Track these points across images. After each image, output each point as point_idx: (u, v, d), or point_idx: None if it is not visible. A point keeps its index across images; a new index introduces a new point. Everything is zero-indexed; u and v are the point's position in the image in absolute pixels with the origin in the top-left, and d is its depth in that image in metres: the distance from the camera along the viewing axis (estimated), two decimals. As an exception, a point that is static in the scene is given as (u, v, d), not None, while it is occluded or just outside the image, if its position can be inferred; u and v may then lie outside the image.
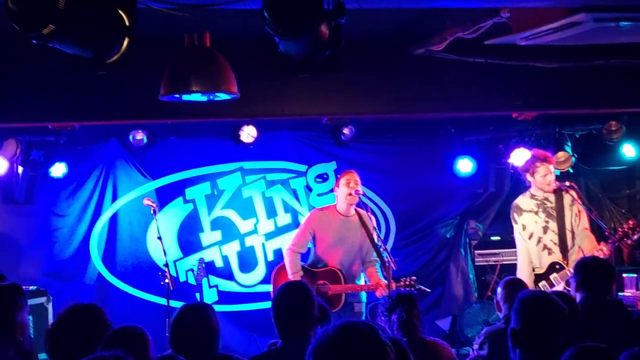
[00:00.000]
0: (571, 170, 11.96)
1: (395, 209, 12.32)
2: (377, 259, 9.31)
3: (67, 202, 11.26)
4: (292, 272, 9.62)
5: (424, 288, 9.70)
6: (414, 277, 9.43)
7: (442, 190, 12.51)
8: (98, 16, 5.06)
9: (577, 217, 9.47)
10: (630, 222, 9.36)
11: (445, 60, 8.94)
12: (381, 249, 9.22)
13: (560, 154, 11.73)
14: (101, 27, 5.14)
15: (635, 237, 9.23)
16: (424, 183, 12.39)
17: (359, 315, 9.65)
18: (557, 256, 9.33)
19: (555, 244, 9.38)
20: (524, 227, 9.55)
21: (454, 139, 12.06)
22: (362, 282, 9.71)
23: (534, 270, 9.38)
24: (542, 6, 6.71)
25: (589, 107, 10.42)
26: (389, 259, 8.87)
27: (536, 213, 9.51)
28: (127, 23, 5.22)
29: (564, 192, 9.54)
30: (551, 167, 9.57)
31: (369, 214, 9.76)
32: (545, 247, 9.40)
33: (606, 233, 9.38)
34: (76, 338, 5.19)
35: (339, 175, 9.99)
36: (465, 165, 12.13)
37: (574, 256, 9.19)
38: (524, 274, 9.34)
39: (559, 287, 9.10)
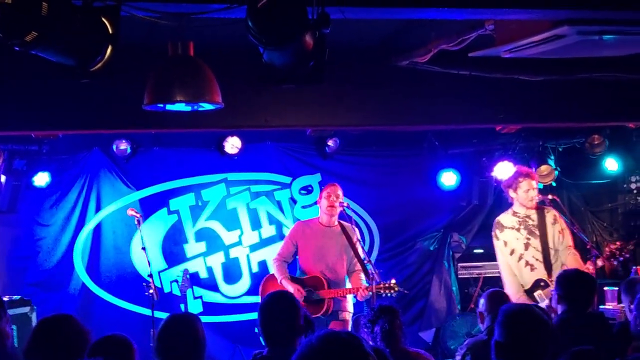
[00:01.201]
0: (554, 184, 12.03)
1: (379, 221, 12.35)
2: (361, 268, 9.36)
3: (50, 211, 11.23)
4: (281, 277, 9.77)
5: (403, 290, 9.73)
6: (394, 280, 9.43)
7: (426, 203, 12.56)
8: (81, 24, 5.05)
9: (560, 234, 9.53)
10: (618, 243, 9.43)
11: (429, 72, 8.93)
12: (365, 261, 9.27)
13: (543, 167, 11.80)
14: (85, 34, 5.13)
15: (622, 259, 9.30)
16: (408, 196, 12.43)
17: (345, 323, 9.69)
18: (540, 272, 9.36)
19: (537, 260, 9.41)
20: (505, 244, 9.59)
21: (437, 152, 12.12)
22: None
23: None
24: (526, 18, 6.72)
25: (572, 121, 10.42)
26: (373, 271, 8.92)
27: (518, 230, 9.56)
28: (110, 31, 5.21)
29: (545, 211, 9.63)
30: (534, 182, 9.62)
31: (353, 226, 9.81)
32: (527, 263, 9.44)
33: (588, 246, 9.43)
34: (54, 351, 5.18)
35: (322, 188, 10.07)
36: (448, 178, 12.17)
37: (557, 273, 9.22)
38: (512, 288, 9.35)
39: (543, 303, 9.12)
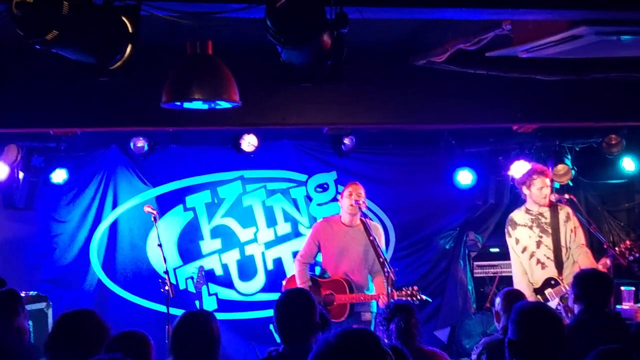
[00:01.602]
0: (571, 183, 12.00)
1: (395, 219, 12.32)
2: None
3: (67, 208, 11.25)
4: (301, 282, 9.75)
5: (426, 297, 9.69)
6: (416, 287, 9.41)
7: (442, 202, 12.52)
8: (102, 22, 5.09)
9: (572, 232, 9.56)
10: (628, 243, 9.43)
11: (446, 71, 8.95)
12: (381, 260, 9.25)
13: (560, 166, 11.78)
14: (104, 33, 5.16)
15: (631, 258, 9.30)
16: (424, 194, 12.41)
17: (367, 324, 9.66)
18: (551, 271, 9.41)
19: (548, 258, 9.44)
20: (517, 241, 9.66)
21: (454, 151, 12.09)
22: (371, 292, 9.73)
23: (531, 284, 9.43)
24: (543, 19, 6.72)
25: (589, 121, 10.43)
26: (389, 270, 8.89)
27: (530, 227, 9.59)
28: (130, 30, 5.25)
29: (559, 208, 9.65)
30: (548, 180, 9.66)
31: (377, 224, 9.86)
32: (538, 261, 9.49)
33: (605, 246, 9.43)
34: (74, 344, 5.20)
35: (344, 185, 10.11)
36: (465, 177, 12.15)
37: (568, 271, 9.28)
38: (521, 286, 9.32)
39: (553, 302, 9.16)
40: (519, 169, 11.51)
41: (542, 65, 8.77)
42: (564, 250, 9.50)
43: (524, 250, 9.59)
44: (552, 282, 9.37)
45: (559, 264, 9.44)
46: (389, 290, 8.95)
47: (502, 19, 7.05)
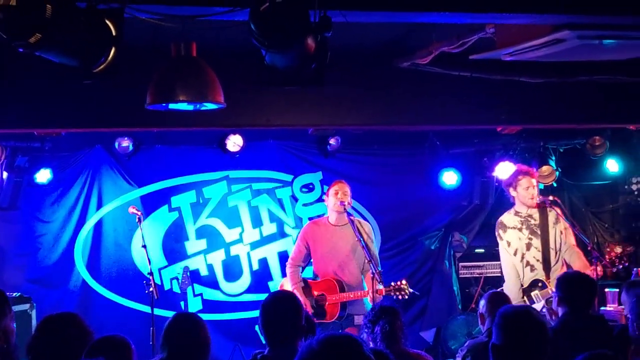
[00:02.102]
0: (555, 185, 12.06)
1: (380, 220, 12.33)
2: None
3: (51, 208, 11.22)
4: (293, 284, 9.78)
5: (414, 292, 9.76)
6: (404, 281, 9.47)
7: (427, 202, 12.55)
8: (85, 26, 5.08)
9: (562, 234, 9.58)
10: (619, 251, 9.46)
11: (430, 73, 8.95)
12: (366, 261, 9.26)
13: (545, 168, 11.83)
14: (88, 36, 5.15)
15: (620, 266, 9.34)
16: (409, 195, 12.43)
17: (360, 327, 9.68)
18: (539, 273, 9.44)
19: (537, 260, 9.48)
20: (508, 244, 9.67)
21: (439, 151, 12.12)
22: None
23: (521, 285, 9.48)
24: (527, 23, 6.75)
25: (573, 122, 10.47)
26: (374, 271, 8.90)
27: (520, 230, 9.61)
28: (114, 33, 5.25)
29: (548, 209, 9.67)
30: (534, 180, 9.69)
31: (368, 223, 9.92)
32: (528, 263, 9.52)
33: (589, 248, 9.44)
34: (56, 349, 5.21)
35: (329, 185, 10.10)
36: (450, 178, 12.17)
37: (556, 274, 9.24)
38: (511, 289, 9.42)
39: (539, 304, 9.21)
40: (503, 170, 11.56)
41: (526, 68, 8.80)
42: (552, 252, 9.52)
43: (515, 252, 9.63)
44: (539, 284, 9.41)
45: (547, 266, 9.46)
46: (380, 286, 9.03)
47: (486, 22, 7.08)
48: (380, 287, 9.11)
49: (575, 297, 6.82)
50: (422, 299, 12.36)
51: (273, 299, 5.79)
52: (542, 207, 9.71)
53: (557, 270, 9.35)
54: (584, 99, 9.81)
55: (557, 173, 11.94)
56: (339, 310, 9.56)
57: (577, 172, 12.65)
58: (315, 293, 9.70)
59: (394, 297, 9.36)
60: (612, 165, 12.23)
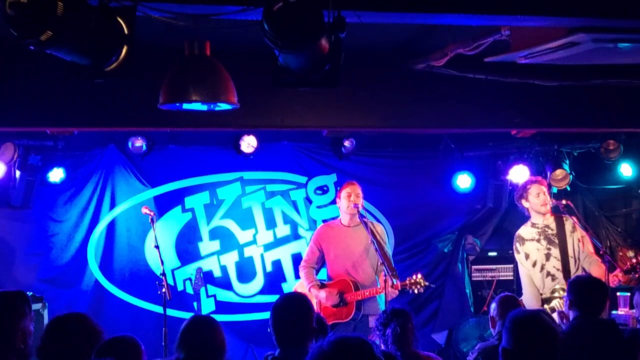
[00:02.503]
0: (568, 188, 12.00)
1: (394, 222, 12.30)
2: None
3: (64, 207, 11.20)
4: (308, 283, 9.84)
5: (430, 284, 9.80)
6: (420, 275, 9.54)
7: (441, 205, 12.51)
8: (97, 24, 5.06)
9: (580, 242, 9.62)
10: (631, 255, 9.43)
11: (445, 75, 8.95)
12: (379, 263, 9.28)
13: (558, 171, 11.78)
14: (100, 35, 5.15)
15: (637, 275, 9.29)
16: (423, 197, 12.40)
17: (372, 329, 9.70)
18: (560, 282, 9.46)
19: (558, 270, 9.52)
20: (527, 256, 9.72)
21: (453, 154, 12.09)
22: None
23: (541, 294, 9.54)
24: (541, 25, 6.73)
25: (587, 126, 10.45)
26: (387, 273, 8.90)
27: (538, 241, 9.66)
28: (126, 31, 5.24)
29: (564, 219, 9.70)
30: (543, 187, 9.76)
31: (381, 226, 10.03)
32: (548, 273, 9.58)
33: (601, 252, 9.42)
34: (65, 350, 5.20)
35: (340, 187, 10.13)
36: (464, 181, 12.13)
37: None
38: (530, 300, 9.48)
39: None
40: (517, 173, 11.56)
41: (541, 71, 8.78)
42: (572, 260, 9.56)
43: (534, 264, 9.67)
44: (561, 291, 9.36)
45: (567, 275, 9.44)
46: (394, 282, 9.04)
47: (501, 25, 7.05)
48: (396, 282, 9.12)
49: (587, 301, 6.81)
50: (434, 301, 12.35)
51: (284, 301, 5.78)
52: (558, 217, 9.75)
53: None
54: (598, 103, 9.78)
55: (571, 177, 11.89)
56: (354, 310, 9.60)
57: (591, 176, 12.60)
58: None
59: (410, 291, 9.44)
60: (626, 170, 12.18)
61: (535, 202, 9.67)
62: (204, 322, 5.78)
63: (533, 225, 9.79)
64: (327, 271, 9.99)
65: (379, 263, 9.32)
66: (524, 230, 9.86)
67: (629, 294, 9.90)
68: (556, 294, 9.44)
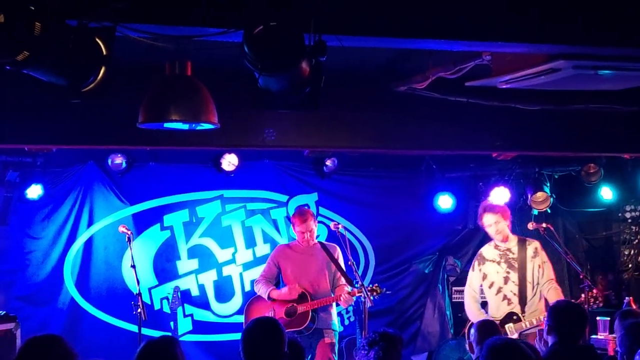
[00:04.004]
0: (549, 211, 12.01)
1: (375, 242, 12.32)
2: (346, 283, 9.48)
3: (42, 224, 11.11)
4: (268, 290, 9.93)
5: (385, 290, 9.84)
6: (376, 285, 9.61)
7: (422, 226, 12.53)
8: (75, 44, 5.01)
9: (540, 268, 9.71)
10: (595, 291, 9.48)
11: (427, 98, 8.95)
12: (358, 284, 9.29)
13: (539, 194, 11.81)
14: (78, 55, 5.09)
15: (595, 306, 9.35)
16: (404, 218, 12.41)
17: (332, 346, 9.73)
18: (515, 307, 9.60)
19: (514, 294, 9.68)
20: (484, 276, 9.90)
21: (435, 175, 12.10)
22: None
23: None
24: (522, 52, 6.73)
25: (567, 150, 10.47)
26: (365, 296, 8.94)
27: (498, 263, 9.83)
28: (104, 52, 5.19)
29: (527, 243, 9.82)
30: (496, 216, 9.84)
31: (334, 245, 10.02)
32: (505, 297, 9.70)
33: (581, 276, 9.46)
34: None
35: (293, 214, 10.32)
36: (445, 202, 12.13)
37: (533, 308, 9.55)
38: (474, 317, 9.68)
39: (512, 337, 9.28)
40: (498, 195, 11.58)
41: (522, 95, 8.78)
42: (530, 286, 9.65)
43: (491, 285, 9.83)
44: (514, 317, 9.56)
45: (523, 300, 9.59)
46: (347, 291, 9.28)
47: (482, 50, 7.05)
48: (351, 289, 9.38)
49: (566, 326, 6.77)
50: (415, 323, 12.36)
51: (254, 325, 5.70)
52: (521, 240, 9.86)
53: (534, 304, 9.59)
54: (579, 127, 9.79)
55: (552, 199, 11.90)
56: (308, 320, 9.73)
57: (572, 198, 12.64)
58: (285, 305, 9.86)
59: (363, 297, 9.38)
60: (607, 193, 12.22)
61: (489, 232, 9.91)
62: (159, 347, 5.67)
63: (496, 246, 9.94)
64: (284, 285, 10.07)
65: (337, 276, 9.66)
66: (487, 250, 10.01)
67: (608, 318, 9.93)
68: (510, 321, 9.57)
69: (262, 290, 9.99)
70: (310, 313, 9.70)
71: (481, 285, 9.97)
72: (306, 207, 11.02)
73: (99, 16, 5.13)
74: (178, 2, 5.44)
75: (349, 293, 9.43)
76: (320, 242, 9.82)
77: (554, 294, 9.46)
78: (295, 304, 9.76)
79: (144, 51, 6.60)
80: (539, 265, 9.67)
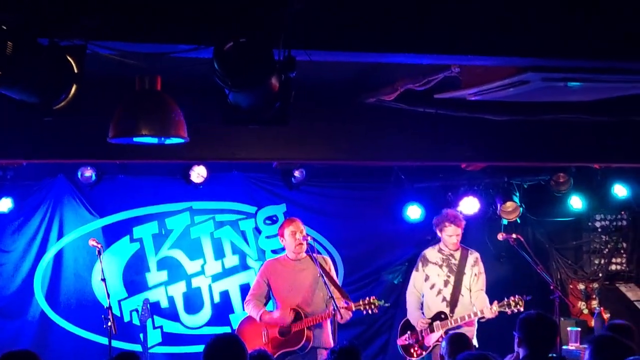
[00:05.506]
0: (519, 220, 12.06)
1: (344, 253, 12.28)
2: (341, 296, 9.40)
3: (12, 237, 11.07)
4: (259, 312, 9.81)
5: (384, 303, 9.95)
6: (373, 297, 9.68)
7: (391, 236, 12.50)
8: (47, 62, 5.02)
9: (476, 277, 10.31)
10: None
11: (396, 109, 9.00)
12: (328, 297, 9.26)
13: (509, 204, 11.86)
14: (49, 73, 5.09)
15: (508, 312, 9.68)
16: (373, 228, 12.39)
17: None
18: (445, 308, 10.16)
19: (451, 296, 10.23)
20: (426, 278, 10.44)
21: (403, 185, 12.09)
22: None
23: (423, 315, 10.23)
24: (490, 64, 6.77)
25: (537, 160, 10.54)
26: (335, 308, 8.91)
27: (440, 267, 10.39)
28: (75, 70, 5.19)
29: (469, 253, 10.37)
30: (459, 230, 10.35)
31: (325, 256, 10.18)
32: (444, 298, 10.24)
33: (551, 287, 9.55)
34: None
35: (281, 224, 10.21)
36: (414, 212, 12.13)
37: (462, 309, 10.18)
38: (414, 317, 10.36)
39: (437, 334, 10.03)
40: (467, 205, 11.64)
41: (491, 106, 8.82)
42: (465, 290, 10.27)
43: (432, 287, 10.38)
44: (442, 315, 10.15)
45: (454, 302, 10.18)
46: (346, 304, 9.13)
47: (450, 64, 7.09)
48: (350, 303, 9.34)
49: (536, 337, 6.80)
50: (384, 334, 12.32)
51: (215, 342, 5.73)
52: (464, 249, 10.40)
53: (463, 308, 10.18)
54: (549, 137, 9.86)
55: (521, 209, 11.96)
56: (303, 340, 9.59)
57: (541, 208, 12.66)
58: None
59: (364, 312, 9.58)
60: (576, 202, 12.26)
61: (446, 240, 10.42)
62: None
63: (440, 250, 10.47)
64: (276, 303, 9.94)
65: (328, 297, 9.28)
66: (431, 253, 10.55)
67: (579, 328, 10.02)
68: (437, 319, 10.16)
69: (253, 312, 9.85)
70: (305, 331, 9.58)
71: None
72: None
73: (70, 34, 5.13)
74: (149, 19, 5.44)
75: (346, 307, 9.29)
76: (310, 255, 9.60)
77: (481, 301, 10.10)
78: (290, 322, 9.64)
79: (115, 65, 6.60)
80: (475, 274, 10.28)
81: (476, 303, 10.10)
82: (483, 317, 9.98)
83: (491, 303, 9.93)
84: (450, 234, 10.28)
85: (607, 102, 8.57)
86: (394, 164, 11.66)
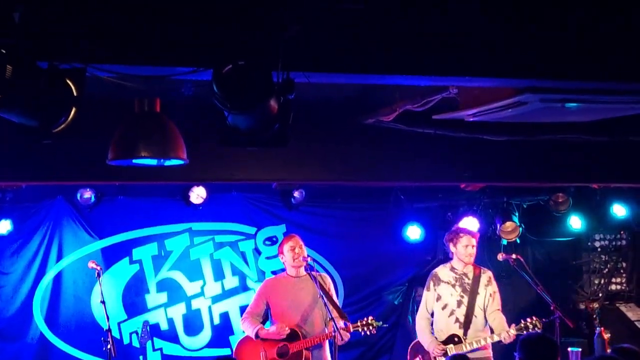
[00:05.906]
0: (518, 241, 12.05)
1: (344, 274, 12.26)
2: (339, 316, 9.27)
3: (11, 259, 11.05)
4: (255, 328, 9.67)
5: (382, 324, 9.85)
6: (371, 317, 9.56)
7: (391, 256, 12.48)
8: (46, 86, 5.03)
9: (491, 297, 9.92)
10: (530, 320, 9.63)
11: (394, 130, 9.00)
12: (328, 318, 9.23)
13: (508, 224, 11.86)
14: (49, 97, 5.11)
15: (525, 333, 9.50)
16: (373, 248, 12.36)
17: None
18: (459, 330, 9.83)
19: (465, 317, 9.85)
20: (438, 297, 10.02)
21: (403, 206, 12.09)
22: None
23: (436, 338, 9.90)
24: (488, 86, 6.79)
25: (535, 180, 10.54)
26: (336, 329, 8.88)
27: (453, 286, 10.00)
28: (75, 93, 5.20)
29: (482, 272, 10.01)
30: (474, 240, 9.99)
31: (324, 274, 10.05)
32: (457, 320, 9.87)
33: (552, 308, 9.51)
34: None
35: (280, 241, 10.15)
36: (414, 232, 12.13)
37: (477, 331, 9.83)
38: (425, 339, 9.96)
39: None
40: (467, 225, 11.60)
41: (490, 126, 8.83)
42: (479, 311, 9.87)
43: (445, 307, 9.97)
44: (456, 339, 9.79)
45: (468, 324, 9.81)
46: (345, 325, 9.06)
47: (448, 85, 7.10)
48: (348, 323, 9.26)
49: (536, 358, 6.81)
50: (384, 356, 12.31)
51: None
52: (477, 268, 10.05)
53: (477, 330, 9.83)
54: (547, 157, 9.86)
55: (521, 229, 11.95)
56: (303, 358, 9.50)
57: (541, 228, 12.66)
58: (277, 345, 9.59)
59: (362, 333, 9.49)
60: (576, 222, 12.29)
61: (462, 252, 9.98)
62: None
63: (452, 269, 10.07)
64: (274, 321, 9.81)
65: (329, 318, 9.24)
66: (442, 271, 10.14)
67: (580, 349, 9.98)
68: (451, 342, 9.79)
69: (249, 329, 9.74)
70: (303, 352, 9.49)
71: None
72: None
73: (69, 58, 5.14)
74: (148, 42, 5.46)
75: (344, 328, 9.21)
76: (309, 273, 9.49)
77: (499, 324, 9.75)
78: (287, 343, 9.52)
79: (115, 87, 6.62)
80: (490, 294, 9.90)
81: (494, 325, 9.79)
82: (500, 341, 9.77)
83: None
84: (466, 244, 9.91)
85: (605, 122, 8.58)
86: (393, 185, 11.66)
